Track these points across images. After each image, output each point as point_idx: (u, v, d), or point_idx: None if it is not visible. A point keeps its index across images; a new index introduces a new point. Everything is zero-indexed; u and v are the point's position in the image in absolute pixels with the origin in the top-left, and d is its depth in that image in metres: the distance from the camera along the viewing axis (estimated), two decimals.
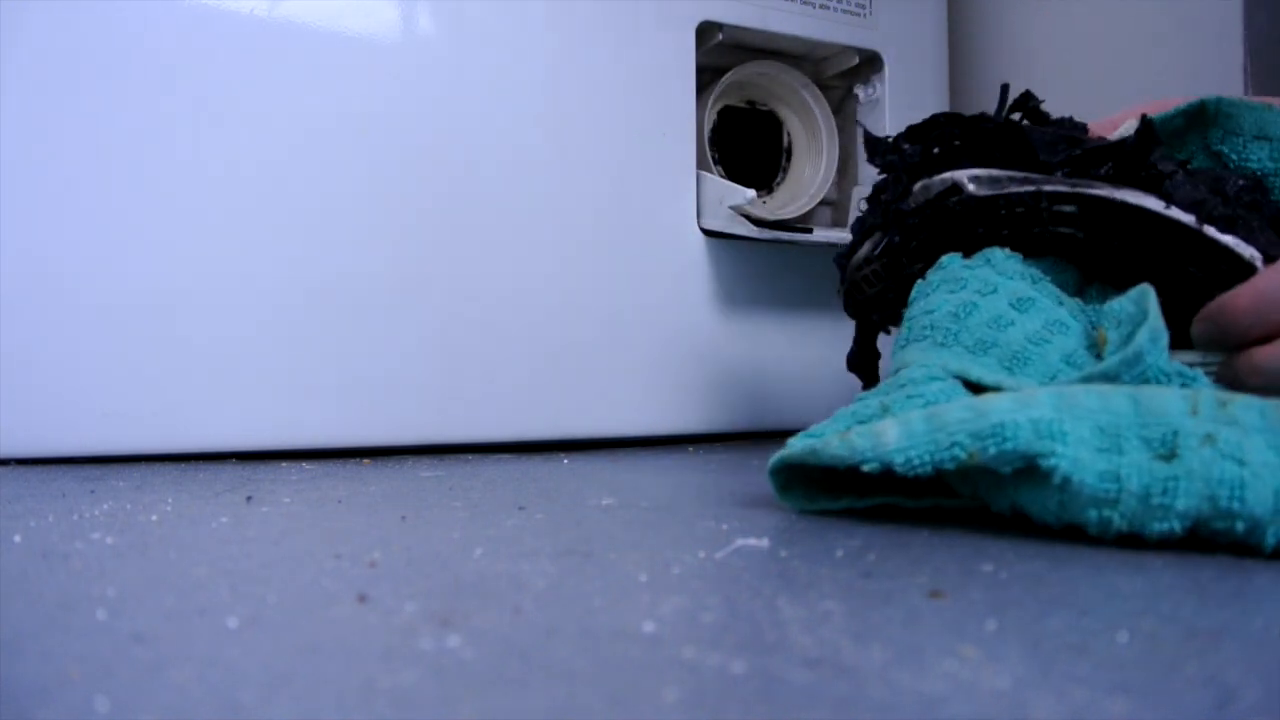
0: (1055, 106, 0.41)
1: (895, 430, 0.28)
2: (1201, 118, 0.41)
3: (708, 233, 0.59)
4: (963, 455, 0.27)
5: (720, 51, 0.61)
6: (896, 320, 0.38)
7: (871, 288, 0.41)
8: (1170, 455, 0.25)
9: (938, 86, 0.68)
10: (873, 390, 0.34)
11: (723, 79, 0.61)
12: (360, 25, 0.50)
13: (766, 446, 0.57)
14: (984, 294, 0.34)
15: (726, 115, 0.63)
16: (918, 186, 0.38)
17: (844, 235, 0.59)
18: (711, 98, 0.61)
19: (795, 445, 0.31)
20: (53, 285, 0.45)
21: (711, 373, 0.59)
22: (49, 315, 0.45)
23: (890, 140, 0.40)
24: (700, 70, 0.59)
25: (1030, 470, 0.27)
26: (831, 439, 0.29)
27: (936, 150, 0.38)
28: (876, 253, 0.40)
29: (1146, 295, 0.32)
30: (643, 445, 0.58)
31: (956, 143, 0.38)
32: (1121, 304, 0.33)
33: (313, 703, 0.15)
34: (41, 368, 0.45)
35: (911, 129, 0.39)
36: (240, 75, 0.48)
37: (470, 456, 0.51)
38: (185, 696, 0.16)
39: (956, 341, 0.33)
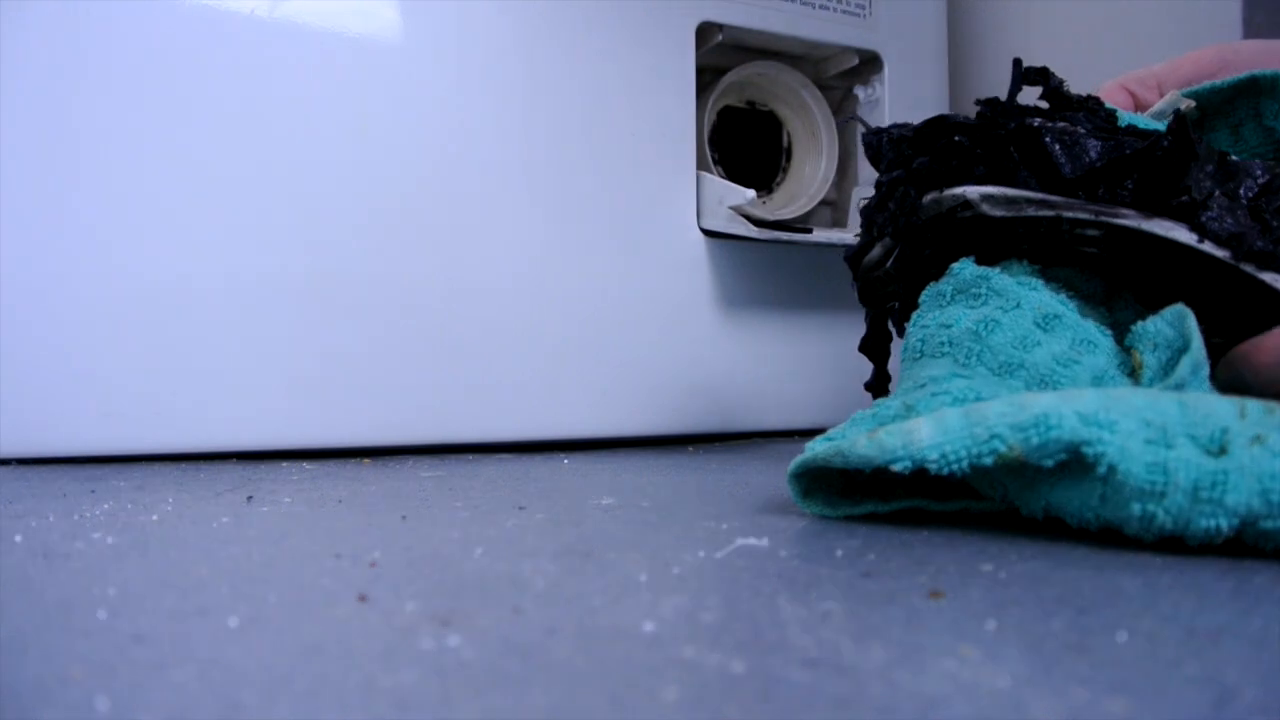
0: None
1: (928, 427, 0.27)
2: (1254, 88, 0.39)
3: (708, 233, 0.59)
4: (1002, 448, 0.26)
5: (720, 52, 0.61)
6: (914, 308, 0.37)
7: (887, 286, 0.40)
8: (1220, 452, 0.25)
9: (937, 87, 0.68)
10: (890, 396, 0.33)
11: (723, 79, 0.61)
12: (359, 26, 0.51)
13: (766, 447, 0.57)
14: (1006, 310, 0.33)
15: (726, 115, 0.63)
16: (927, 199, 0.36)
17: (844, 235, 0.59)
18: (711, 98, 0.61)
19: (817, 448, 0.30)
20: (53, 285, 0.45)
21: (711, 373, 0.59)
22: (49, 315, 0.45)
23: (890, 139, 0.38)
24: (700, 70, 0.59)
25: (1070, 466, 0.26)
26: (859, 439, 0.28)
27: (944, 160, 0.36)
28: (890, 265, 0.39)
29: (1185, 319, 0.31)
30: (643, 445, 0.58)
31: (965, 150, 0.36)
32: (1157, 326, 0.32)
33: (313, 703, 0.15)
34: (42, 368, 0.45)
35: (918, 132, 0.37)
36: (242, 75, 0.48)
37: (470, 456, 0.51)
38: (186, 696, 0.16)
39: (980, 362, 0.32)
